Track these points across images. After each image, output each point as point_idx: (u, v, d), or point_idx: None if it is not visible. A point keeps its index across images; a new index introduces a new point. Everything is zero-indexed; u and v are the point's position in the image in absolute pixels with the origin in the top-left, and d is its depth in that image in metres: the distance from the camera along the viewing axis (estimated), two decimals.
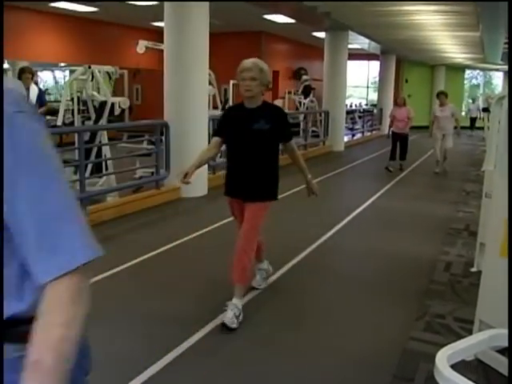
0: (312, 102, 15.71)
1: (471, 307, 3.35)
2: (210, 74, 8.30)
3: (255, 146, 3.52)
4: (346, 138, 15.39)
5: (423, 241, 5.70)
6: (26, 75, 7.57)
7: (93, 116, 7.44)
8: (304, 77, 17.53)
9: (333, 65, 13.74)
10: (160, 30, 8.13)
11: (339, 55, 13.73)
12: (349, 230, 6.13)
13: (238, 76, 3.46)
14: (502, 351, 2.80)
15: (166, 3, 7.38)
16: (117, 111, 7.32)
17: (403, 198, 8.10)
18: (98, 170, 7.15)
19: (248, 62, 3.44)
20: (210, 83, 8.66)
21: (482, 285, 3.12)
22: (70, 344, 0.92)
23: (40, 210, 0.93)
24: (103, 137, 7.09)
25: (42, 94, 7.97)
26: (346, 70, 14.23)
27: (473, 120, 21.93)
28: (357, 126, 18.22)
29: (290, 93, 16.15)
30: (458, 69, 24.65)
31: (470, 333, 3.15)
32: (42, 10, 12.36)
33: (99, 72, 7.40)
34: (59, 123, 7.21)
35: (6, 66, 11.44)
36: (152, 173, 7.76)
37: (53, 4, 11.75)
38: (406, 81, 23.99)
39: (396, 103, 10.86)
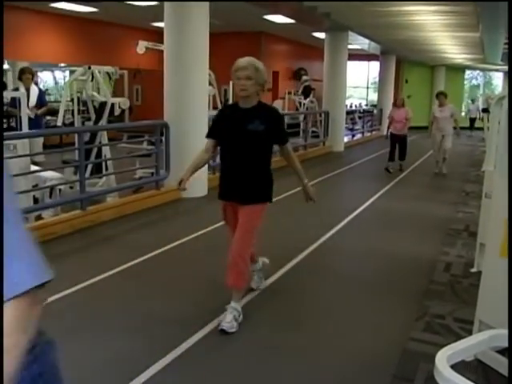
0: (312, 102, 15.72)
1: (471, 308, 3.35)
2: (210, 75, 8.30)
3: (250, 147, 3.43)
4: (345, 139, 15.40)
5: (423, 241, 5.70)
6: (27, 76, 7.58)
7: (93, 116, 7.45)
8: (304, 77, 17.55)
9: (333, 65, 13.75)
10: (160, 31, 8.14)
11: (339, 55, 13.73)
12: (349, 231, 6.13)
13: (233, 75, 3.36)
14: (501, 351, 2.80)
15: (165, 3, 7.39)
16: (117, 112, 7.33)
17: (403, 199, 8.10)
18: (98, 170, 7.16)
19: (243, 61, 3.35)
20: (210, 83, 8.66)
21: (482, 285, 3.12)
22: (5, 370, 0.87)
23: None
24: (103, 137, 7.09)
25: (42, 94, 7.98)
26: (346, 71, 14.23)
27: (472, 120, 21.94)
28: (357, 127, 18.24)
29: (289, 93, 16.16)
30: (457, 69, 24.66)
31: (470, 333, 3.15)
32: (41, 10, 12.37)
33: (99, 72, 7.41)
34: (59, 124, 7.22)
35: (6, 66, 11.43)
36: (152, 173, 7.77)
37: (53, 4, 11.75)
38: (406, 81, 23.99)
39: (395, 104, 10.77)
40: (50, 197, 5.94)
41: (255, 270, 4.04)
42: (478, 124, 21.40)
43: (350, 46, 14.28)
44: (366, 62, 24.37)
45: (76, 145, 6.29)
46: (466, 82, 27.23)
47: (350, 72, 15.93)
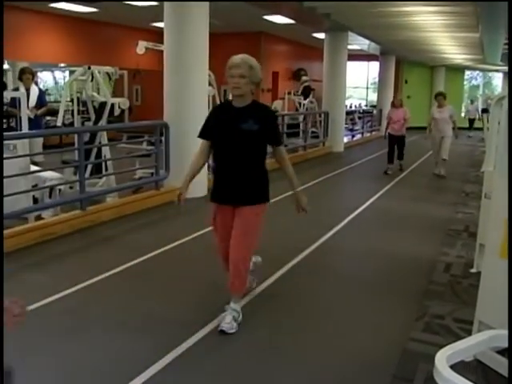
0: (312, 102, 15.72)
1: (471, 308, 3.35)
2: (209, 75, 8.30)
3: (243, 147, 3.33)
4: (345, 139, 15.40)
5: (423, 241, 5.70)
6: (27, 76, 7.58)
7: (92, 117, 7.45)
8: (304, 77, 17.55)
9: (332, 65, 13.75)
10: (160, 31, 8.14)
11: (339, 56, 13.74)
12: (349, 231, 6.14)
13: (227, 73, 3.27)
14: (501, 352, 2.80)
15: (165, 3, 7.39)
16: (116, 112, 7.33)
17: (403, 199, 8.10)
18: (97, 170, 7.16)
19: (237, 58, 3.26)
20: (210, 84, 8.65)
21: (482, 286, 3.12)
22: None
23: None
24: (103, 137, 7.09)
25: (42, 94, 7.98)
26: (346, 71, 14.23)
27: (471, 121, 21.94)
28: (356, 127, 18.26)
29: (289, 93, 16.15)
30: (457, 70, 24.67)
31: (470, 334, 3.15)
32: (41, 10, 12.37)
33: (99, 73, 7.40)
34: (59, 124, 7.21)
35: (6, 66, 11.44)
36: (152, 173, 7.77)
37: (52, 4, 11.75)
38: (406, 81, 24.00)
39: (393, 104, 10.64)
40: (50, 197, 5.94)
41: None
42: (476, 124, 21.41)
43: (349, 47, 14.29)
44: (365, 63, 24.39)
45: (76, 145, 6.29)
46: (465, 83, 27.25)
47: (350, 72, 15.94)
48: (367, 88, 26.65)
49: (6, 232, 4.80)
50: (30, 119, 6.52)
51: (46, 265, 4.72)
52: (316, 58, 18.09)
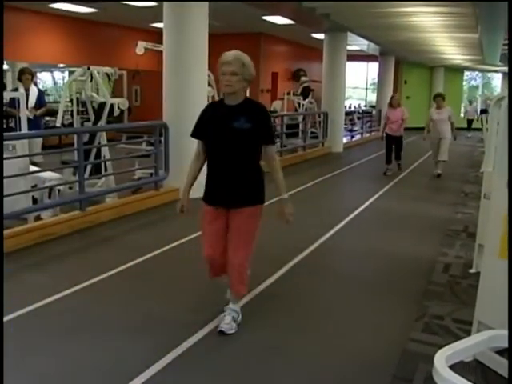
0: (311, 103, 15.72)
1: (470, 308, 3.36)
2: (209, 75, 8.30)
3: (236, 146, 3.22)
4: (344, 140, 15.40)
5: (422, 242, 5.71)
6: (26, 76, 7.58)
7: (92, 117, 7.45)
8: (303, 78, 17.56)
9: (332, 66, 13.76)
10: (159, 31, 8.14)
11: (338, 56, 13.74)
12: (348, 231, 6.14)
13: (218, 70, 3.17)
14: (500, 352, 2.80)
15: (165, 3, 7.39)
16: (116, 112, 7.32)
17: (402, 199, 8.11)
18: (97, 171, 7.16)
19: (228, 55, 3.16)
20: (210, 84, 8.66)
21: (481, 286, 3.12)
22: None
23: None
24: (102, 138, 7.09)
25: (41, 94, 7.97)
26: (345, 72, 14.24)
27: (470, 122, 21.95)
28: (356, 128, 18.26)
29: (288, 94, 16.15)
30: (456, 70, 24.69)
31: (469, 334, 3.16)
32: (41, 10, 12.37)
33: (98, 73, 7.40)
34: (58, 124, 7.21)
35: (5, 67, 11.43)
36: (151, 174, 7.77)
37: (52, 5, 11.75)
38: (405, 82, 24.02)
39: (390, 104, 10.43)
40: (49, 197, 5.94)
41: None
42: (475, 125, 21.43)
43: (349, 47, 14.30)
44: (365, 63, 24.40)
45: (75, 145, 6.30)
46: (464, 83, 27.26)
47: (349, 73, 15.96)
48: (366, 88, 26.66)
49: (5, 232, 4.80)
50: (29, 120, 6.52)
51: (46, 265, 4.72)
52: (315, 58, 18.10)
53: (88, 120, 7.76)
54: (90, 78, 7.29)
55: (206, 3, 7.41)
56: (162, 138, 7.25)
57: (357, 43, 16.08)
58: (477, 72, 27.30)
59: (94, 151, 7.02)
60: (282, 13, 11.91)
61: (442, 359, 1.66)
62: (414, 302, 3.97)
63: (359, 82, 26.54)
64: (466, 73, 26.70)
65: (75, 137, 6.27)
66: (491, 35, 12.24)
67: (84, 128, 7.52)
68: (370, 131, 19.05)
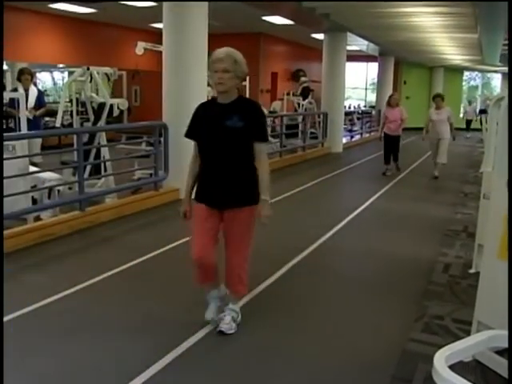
0: (310, 103, 15.73)
1: (469, 308, 3.36)
2: (208, 76, 8.30)
3: (229, 145, 3.14)
4: (344, 140, 15.40)
5: (422, 242, 5.71)
6: (26, 76, 7.58)
7: (91, 117, 7.45)
8: (302, 78, 17.56)
9: (331, 66, 13.76)
10: (159, 32, 8.14)
11: (338, 57, 13.75)
12: (348, 231, 6.14)
13: (210, 67, 3.11)
14: (500, 352, 2.81)
15: (164, 4, 7.39)
16: (115, 112, 7.33)
17: (402, 200, 8.11)
18: (96, 171, 7.16)
19: (220, 52, 3.08)
20: (209, 84, 8.66)
21: (480, 286, 3.13)
22: None
23: None
24: (102, 138, 7.09)
25: (41, 95, 7.97)
26: (345, 72, 14.24)
27: (469, 122, 21.95)
28: (355, 128, 18.26)
29: (288, 94, 16.16)
30: (456, 70, 24.70)
31: (468, 334, 3.16)
32: (40, 11, 12.37)
33: (98, 73, 7.41)
34: (58, 124, 7.21)
35: (5, 67, 11.43)
36: (151, 174, 7.77)
37: (52, 5, 11.75)
38: (405, 82, 24.03)
39: (389, 104, 10.37)
40: (49, 198, 5.94)
41: (213, 296, 3.47)
42: (474, 125, 21.43)
43: (348, 47, 14.30)
44: (364, 63, 24.40)
45: (75, 146, 6.30)
46: (464, 84, 27.28)
47: (349, 73, 15.96)
48: (366, 89, 26.66)
49: (5, 233, 4.80)
50: (28, 120, 6.52)
51: (45, 265, 4.72)
52: (315, 58, 18.10)
53: (87, 120, 7.76)
54: (89, 78, 7.29)
55: (206, 3, 7.41)
56: (162, 139, 7.25)
57: (356, 43, 16.09)
58: (476, 72, 27.31)
59: (93, 151, 7.02)
60: (281, 13, 11.91)
61: (441, 359, 1.66)
62: (413, 302, 3.97)
63: (359, 83, 26.54)
64: (466, 73, 26.72)
65: (75, 137, 6.27)
66: (491, 35, 12.24)
67: (83, 128, 7.52)
68: (370, 131, 19.05)
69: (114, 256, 4.94)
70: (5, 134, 5.42)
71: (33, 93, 7.58)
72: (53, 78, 16.40)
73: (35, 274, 4.48)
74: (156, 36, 10.61)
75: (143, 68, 13.29)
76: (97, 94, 7.87)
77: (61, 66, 15.06)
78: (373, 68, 22.91)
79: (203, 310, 3.49)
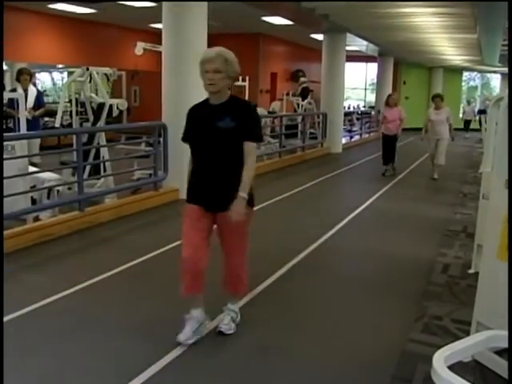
0: (310, 103, 15.70)
1: (469, 309, 3.36)
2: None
3: (222, 146, 3.06)
4: (343, 140, 15.41)
5: (421, 242, 5.71)
6: (25, 76, 7.58)
7: (91, 118, 7.44)
8: (302, 79, 17.53)
9: (331, 67, 13.77)
10: (158, 32, 8.14)
11: (337, 57, 13.76)
12: (348, 231, 6.15)
13: (200, 68, 3.04)
14: (499, 352, 2.81)
15: (164, 4, 7.39)
16: (115, 113, 7.32)
17: (401, 200, 8.12)
18: (96, 171, 7.16)
19: (210, 52, 3.02)
20: None
21: (480, 286, 3.13)
22: None
23: None
24: (101, 138, 7.09)
25: (40, 95, 7.98)
26: (344, 72, 14.25)
27: (467, 122, 21.95)
28: (355, 128, 18.26)
29: (287, 95, 16.15)
30: (455, 71, 24.71)
31: (468, 334, 3.16)
32: (40, 11, 12.37)
33: (97, 74, 7.40)
34: (57, 125, 7.22)
35: (4, 67, 11.43)
36: (150, 174, 7.77)
37: (51, 5, 11.75)
38: (404, 83, 24.05)
39: (387, 103, 10.35)
40: (48, 198, 5.94)
41: (193, 316, 3.26)
42: (473, 125, 21.43)
43: (347, 48, 14.31)
44: (363, 64, 24.42)
45: (74, 146, 6.30)
46: (463, 84, 27.29)
47: (348, 73, 15.96)
48: (365, 89, 26.67)
49: (4, 233, 4.80)
50: (28, 120, 6.51)
51: (45, 266, 4.72)
52: (314, 59, 18.12)
53: (87, 120, 7.76)
54: (89, 78, 7.29)
55: (205, 3, 7.41)
56: (161, 139, 7.25)
57: (356, 44, 16.09)
58: (476, 72, 27.32)
59: (93, 152, 7.02)
60: (281, 13, 11.91)
61: (440, 359, 1.66)
62: (413, 303, 3.98)
63: (358, 83, 26.55)
64: (465, 73, 26.73)
65: (74, 137, 6.27)
66: (490, 36, 12.25)
67: (83, 128, 7.51)
68: (369, 132, 19.06)
69: (113, 256, 4.94)
70: (4, 135, 5.41)
71: (32, 93, 7.58)
72: (52, 79, 16.40)
73: (35, 274, 4.48)
74: (155, 36, 10.61)
75: (142, 68, 13.31)
76: (96, 95, 7.86)
77: (60, 66, 15.06)
78: (372, 68, 22.93)
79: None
